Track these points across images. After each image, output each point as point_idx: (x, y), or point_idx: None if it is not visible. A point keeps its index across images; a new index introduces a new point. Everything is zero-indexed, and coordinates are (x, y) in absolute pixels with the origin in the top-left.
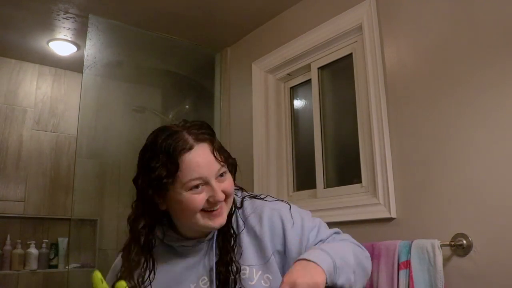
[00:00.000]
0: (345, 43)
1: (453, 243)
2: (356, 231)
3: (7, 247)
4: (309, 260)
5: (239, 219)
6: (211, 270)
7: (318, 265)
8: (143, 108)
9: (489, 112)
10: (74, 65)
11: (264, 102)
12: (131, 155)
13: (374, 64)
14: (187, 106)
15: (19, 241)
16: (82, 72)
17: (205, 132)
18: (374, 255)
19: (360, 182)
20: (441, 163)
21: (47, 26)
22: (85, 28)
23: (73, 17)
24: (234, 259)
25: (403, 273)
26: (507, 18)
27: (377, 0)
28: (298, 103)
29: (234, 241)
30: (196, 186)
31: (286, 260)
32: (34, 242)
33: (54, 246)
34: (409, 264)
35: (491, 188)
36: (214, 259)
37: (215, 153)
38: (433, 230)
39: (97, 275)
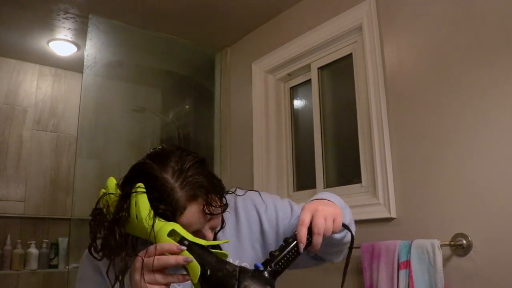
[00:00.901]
0: (345, 43)
1: (453, 243)
2: (356, 231)
3: (7, 247)
4: (322, 199)
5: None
6: None
7: (330, 201)
8: (143, 108)
9: (489, 112)
10: (74, 65)
11: (264, 102)
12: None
13: (374, 64)
14: (187, 106)
15: (19, 241)
16: (82, 72)
17: (199, 183)
18: (374, 255)
19: (360, 182)
20: (441, 163)
21: (47, 26)
22: (85, 28)
23: (73, 17)
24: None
25: (403, 273)
26: (507, 18)
27: (377, 0)
28: (298, 103)
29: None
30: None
31: (266, 243)
32: (34, 242)
33: (54, 246)
34: (409, 264)
35: (491, 188)
36: None
37: (206, 208)
38: (433, 230)
39: (112, 180)
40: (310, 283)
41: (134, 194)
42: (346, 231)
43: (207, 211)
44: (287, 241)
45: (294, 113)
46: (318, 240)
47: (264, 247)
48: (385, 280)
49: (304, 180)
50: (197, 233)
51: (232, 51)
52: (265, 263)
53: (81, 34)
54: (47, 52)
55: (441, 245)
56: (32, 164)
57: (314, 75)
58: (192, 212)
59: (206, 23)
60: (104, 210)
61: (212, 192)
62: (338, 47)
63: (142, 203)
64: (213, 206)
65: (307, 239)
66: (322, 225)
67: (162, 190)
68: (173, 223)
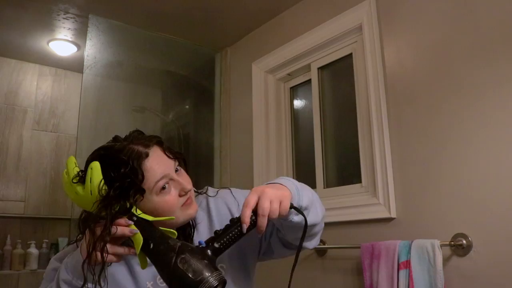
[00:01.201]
0: (345, 43)
1: (453, 243)
2: (356, 231)
3: (7, 247)
4: (273, 183)
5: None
6: None
7: (282, 184)
8: (143, 108)
9: (489, 112)
10: (74, 65)
11: (264, 102)
12: None
13: (374, 64)
14: (187, 106)
15: (19, 241)
16: (82, 72)
17: (148, 137)
18: (374, 255)
19: (360, 182)
20: (441, 163)
21: (47, 26)
22: (85, 28)
23: (73, 17)
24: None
25: (403, 273)
26: (507, 18)
27: (377, 0)
28: (298, 103)
29: (193, 231)
30: (163, 187)
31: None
32: (34, 242)
33: (54, 246)
34: (409, 264)
35: (491, 188)
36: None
37: (166, 152)
38: (433, 230)
39: (72, 159)
40: (310, 283)
41: (89, 170)
42: (310, 215)
43: (167, 153)
44: (232, 221)
45: (294, 113)
46: (262, 221)
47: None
48: (385, 280)
49: (304, 180)
50: (172, 183)
51: (232, 51)
52: (208, 241)
53: (81, 34)
54: (47, 52)
55: (441, 245)
56: (32, 164)
57: (314, 75)
58: (155, 154)
59: (206, 23)
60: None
61: (168, 148)
62: (338, 47)
63: (95, 178)
64: (171, 151)
65: (253, 220)
66: (267, 207)
67: (119, 150)
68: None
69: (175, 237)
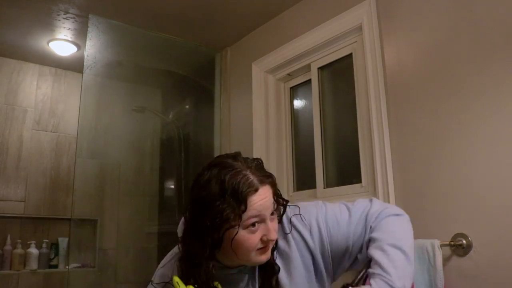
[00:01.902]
0: (345, 43)
1: (453, 243)
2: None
3: (7, 247)
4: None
5: (289, 236)
6: None
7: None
8: (143, 108)
9: (490, 112)
10: (74, 65)
11: (264, 102)
12: (131, 155)
13: (374, 64)
14: (187, 106)
15: (19, 241)
16: (82, 72)
17: (266, 174)
18: None
19: (360, 182)
20: (441, 163)
21: (47, 26)
22: (85, 28)
23: (73, 17)
24: (278, 283)
25: None
26: (507, 18)
27: (377, 0)
28: (298, 103)
29: (277, 271)
30: (253, 225)
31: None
32: (34, 242)
33: (54, 246)
34: None
35: (491, 188)
36: (257, 286)
37: (274, 196)
38: (433, 230)
39: (176, 278)
40: None
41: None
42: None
43: (275, 197)
44: None
45: (294, 113)
46: None
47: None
48: None
49: (304, 180)
50: (262, 225)
51: (232, 51)
52: None
53: (81, 34)
54: (47, 52)
55: (441, 245)
56: (32, 164)
57: (314, 75)
58: (264, 191)
59: (206, 23)
60: None
61: (277, 192)
62: (338, 47)
63: None
64: (278, 196)
65: None
66: None
67: (237, 173)
68: None
69: None
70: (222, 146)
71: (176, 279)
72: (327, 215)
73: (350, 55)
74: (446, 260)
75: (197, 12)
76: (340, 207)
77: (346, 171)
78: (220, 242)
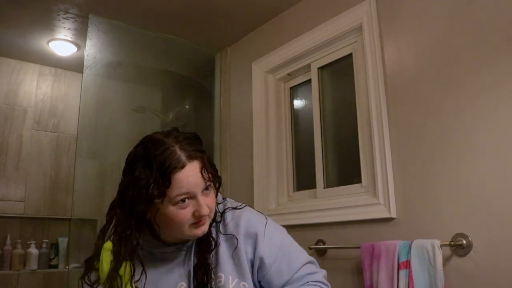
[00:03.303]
0: (345, 43)
1: (453, 243)
2: (356, 231)
3: (7, 247)
4: None
5: (219, 228)
6: (189, 275)
7: None
8: (143, 108)
9: (490, 112)
10: (74, 65)
11: (264, 102)
12: None
13: (374, 64)
14: (187, 106)
15: (19, 241)
16: (82, 72)
17: (197, 149)
18: (374, 255)
19: (360, 182)
20: (441, 163)
21: (47, 26)
22: (85, 28)
23: (73, 17)
24: (211, 265)
25: (403, 273)
26: (507, 18)
27: (377, 0)
28: (298, 103)
29: (212, 248)
30: (183, 200)
31: (255, 271)
32: (34, 242)
33: (54, 246)
34: (409, 264)
35: (491, 188)
36: (192, 264)
37: (203, 172)
38: (433, 230)
39: (109, 245)
40: None
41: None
42: None
43: (203, 173)
44: None
45: (294, 113)
46: None
47: (252, 270)
48: (385, 280)
49: (304, 180)
50: (192, 201)
51: (232, 51)
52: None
53: (81, 34)
54: (47, 52)
55: (441, 245)
56: (32, 164)
57: (314, 75)
58: (191, 169)
59: (206, 23)
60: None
61: (208, 161)
62: (338, 47)
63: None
64: (209, 172)
65: None
66: None
67: (165, 149)
68: None
69: None
70: (222, 146)
71: (107, 245)
72: (276, 261)
73: (350, 55)
74: (446, 260)
75: (197, 12)
76: (290, 259)
77: (346, 171)
78: (144, 215)
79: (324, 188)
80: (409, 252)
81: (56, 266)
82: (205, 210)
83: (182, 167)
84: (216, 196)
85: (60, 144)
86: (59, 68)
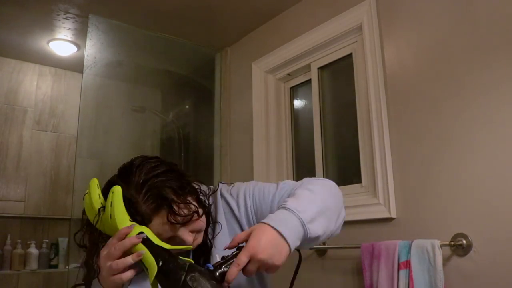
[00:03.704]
0: (345, 43)
1: (453, 243)
2: (356, 231)
3: (7, 247)
4: (280, 233)
5: (219, 205)
6: None
7: (285, 240)
8: (143, 108)
9: (490, 112)
10: (74, 65)
11: (264, 102)
12: (131, 155)
13: (374, 64)
14: (187, 106)
15: (19, 241)
16: (82, 72)
17: (159, 195)
18: (374, 255)
19: (360, 182)
20: (441, 163)
21: (47, 26)
22: (85, 28)
23: (73, 17)
24: (211, 249)
25: (403, 273)
26: (507, 18)
27: (377, 0)
28: (298, 103)
29: (211, 232)
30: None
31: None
32: (34, 242)
33: (54, 246)
34: (409, 264)
35: (491, 188)
36: (191, 252)
37: (171, 218)
38: (433, 230)
39: (95, 181)
40: (310, 283)
41: (111, 194)
42: (322, 229)
43: (172, 220)
44: (233, 256)
45: (294, 113)
46: (246, 275)
47: None
48: (385, 280)
49: None
50: (173, 238)
51: (232, 51)
52: (215, 265)
53: (81, 34)
54: (47, 52)
55: (441, 245)
56: (32, 164)
57: (314, 75)
58: (157, 223)
59: (206, 23)
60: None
61: (177, 200)
62: (338, 47)
63: (117, 204)
64: (178, 215)
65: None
66: (253, 271)
67: (130, 203)
68: (143, 226)
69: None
70: (222, 146)
71: (96, 182)
72: (255, 188)
73: (350, 55)
74: (446, 260)
75: (197, 12)
76: (271, 184)
77: (346, 171)
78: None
79: None
80: (409, 252)
81: (56, 266)
82: (188, 241)
83: (149, 221)
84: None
85: (60, 144)
86: (59, 68)
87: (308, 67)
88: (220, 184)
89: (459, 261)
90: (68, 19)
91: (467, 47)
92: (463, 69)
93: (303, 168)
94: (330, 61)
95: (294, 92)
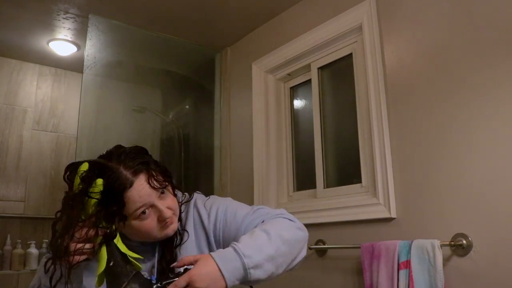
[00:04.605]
0: (345, 43)
1: (453, 243)
2: (356, 231)
3: (7, 247)
4: (220, 270)
5: (190, 213)
6: (152, 267)
7: (223, 276)
8: (143, 108)
9: (490, 112)
10: (74, 65)
11: (264, 102)
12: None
13: (374, 64)
14: (187, 106)
15: (19, 241)
16: (82, 72)
17: (140, 161)
18: (374, 255)
19: (360, 182)
20: (441, 163)
21: (47, 26)
22: (85, 28)
23: (73, 17)
24: (176, 256)
25: (403, 273)
26: (507, 18)
27: (377, 0)
28: (298, 103)
29: (177, 243)
30: (143, 212)
31: (219, 235)
32: (34, 242)
33: None
34: (409, 264)
35: (491, 188)
36: (156, 257)
37: (150, 182)
38: (433, 230)
39: (86, 165)
40: (310, 283)
41: (94, 184)
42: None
43: (151, 183)
44: (176, 275)
45: (294, 113)
46: None
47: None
48: (385, 280)
49: (304, 180)
50: (152, 209)
51: (232, 51)
52: (158, 279)
53: (81, 34)
54: (47, 52)
55: (441, 245)
56: (32, 164)
57: (314, 75)
58: (139, 184)
59: (206, 23)
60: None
61: (153, 168)
62: (338, 47)
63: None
64: (156, 180)
65: None
66: None
67: (112, 172)
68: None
69: (140, 270)
70: (222, 146)
71: (85, 166)
72: (228, 206)
73: (350, 55)
74: (446, 260)
75: (197, 12)
76: (246, 206)
77: (346, 171)
78: (115, 235)
79: (324, 188)
80: (409, 252)
81: None
82: (167, 213)
83: (131, 185)
84: (174, 193)
85: (60, 144)
86: (59, 68)
87: (308, 67)
88: (196, 194)
89: (459, 261)
90: (68, 19)
91: (467, 47)
92: (463, 69)
93: (303, 168)
94: (330, 61)
95: (294, 92)
